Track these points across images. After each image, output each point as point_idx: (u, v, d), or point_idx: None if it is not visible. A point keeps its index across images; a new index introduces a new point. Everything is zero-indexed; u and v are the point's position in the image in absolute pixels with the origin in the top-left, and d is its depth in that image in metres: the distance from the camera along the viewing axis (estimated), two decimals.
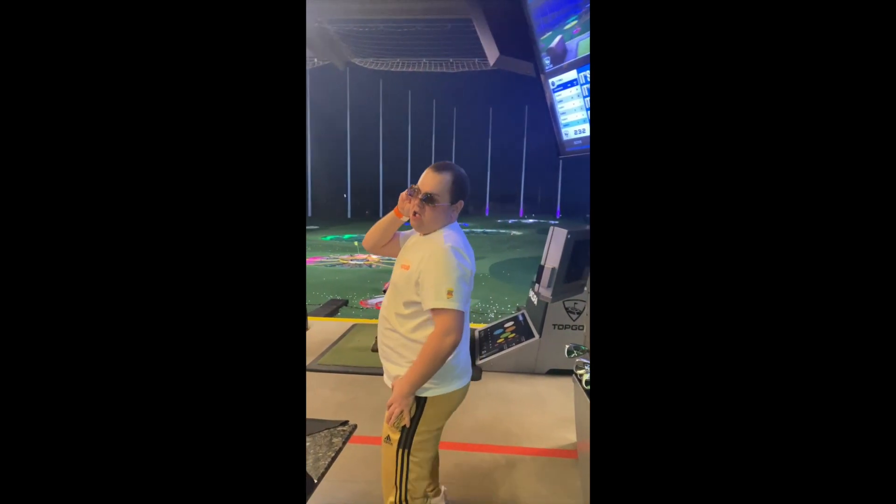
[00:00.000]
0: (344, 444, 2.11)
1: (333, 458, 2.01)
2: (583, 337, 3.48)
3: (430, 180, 1.55)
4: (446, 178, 1.57)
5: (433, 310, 1.50)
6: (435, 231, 1.61)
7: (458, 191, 1.59)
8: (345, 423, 2.28)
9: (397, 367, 1.58)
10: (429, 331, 1.53)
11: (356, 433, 2.47)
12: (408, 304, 1.56)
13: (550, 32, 3.34)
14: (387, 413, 1.53)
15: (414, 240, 1.66)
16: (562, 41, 3.19)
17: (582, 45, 3.14)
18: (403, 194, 1.61)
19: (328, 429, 2.24)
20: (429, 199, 1.54)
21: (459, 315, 1.50)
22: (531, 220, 25.46)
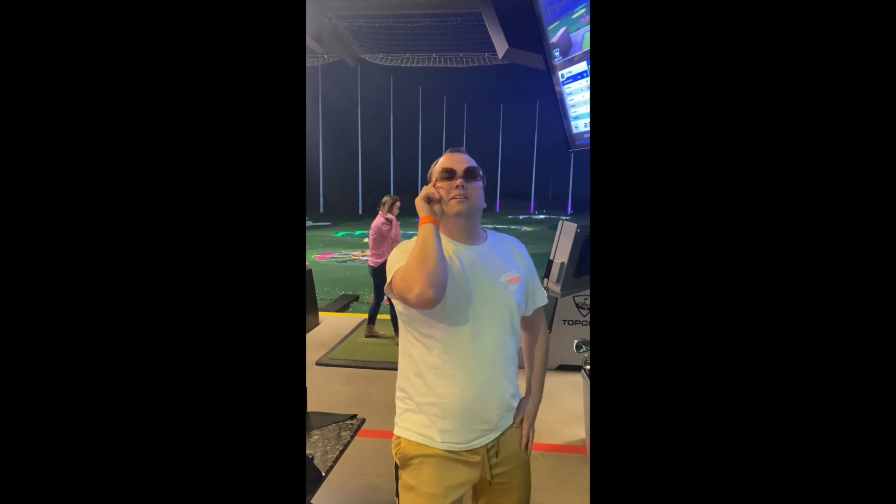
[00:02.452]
0: (352, 437, 2.12)
1: (342, 452, 2.02)
2: None
3: (459, 160, 1.26)
4: (468, 156, 1.32)
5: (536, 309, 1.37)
6: (477, 225, 1.30)
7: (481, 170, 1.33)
8: (353, 416, 2.29)
9: (513, 402, 1.32)
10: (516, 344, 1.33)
11: (365, 427, 2.48)
12: (518, 321, 1.30)
13: (557, 22, 3.29)
14: (528, 442, 1.32)
15: (478, 251, 1.27)
16: (566, 33, 3.14)
17: (588, 37, 3.07)
18: (431, 192, 1.22)
19: (336, 422, 2.25)
20: (475, 175, 1.25)
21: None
22: (542, 216, 25.34)
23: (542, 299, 1.38)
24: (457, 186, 1.23)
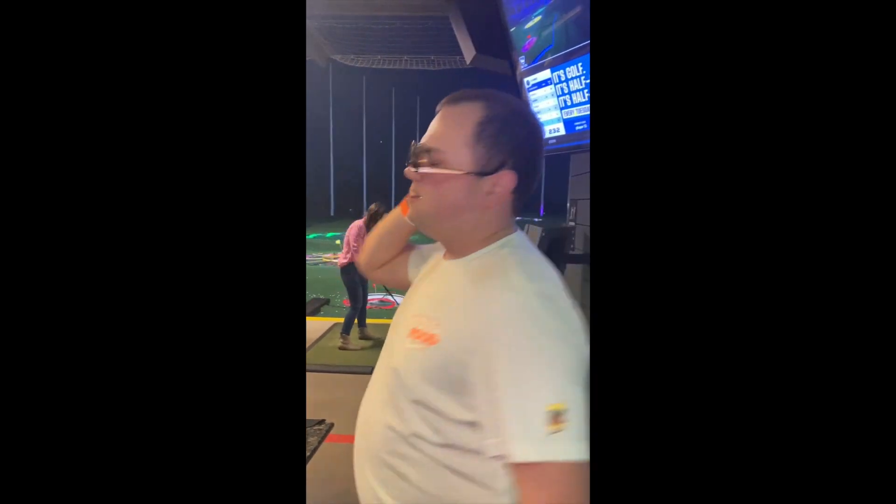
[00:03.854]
0: (320, 443, 2.11)
1: (309, 458, 2.01)
2: None
3: (435, 122, 0.74)
4: (469, 112, 0.71)
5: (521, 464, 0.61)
6: (483, 244, 0.74)
7: (498, 144, 0.70)
8: (321, 421, 2.28)
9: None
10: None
11: (335, 431, 2.46)
12: (434, 412, 0.69)
13: (516, 27, 3.31)
14: None
15: (444, 267, 0.79)
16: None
17: (533, 47, 3.02)
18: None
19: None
20: (425, 154, 0.71)
21: (577, 472, 0.61)
22: (516, 219, 25.46)
23: (512, 436, 0.61)
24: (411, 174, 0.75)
